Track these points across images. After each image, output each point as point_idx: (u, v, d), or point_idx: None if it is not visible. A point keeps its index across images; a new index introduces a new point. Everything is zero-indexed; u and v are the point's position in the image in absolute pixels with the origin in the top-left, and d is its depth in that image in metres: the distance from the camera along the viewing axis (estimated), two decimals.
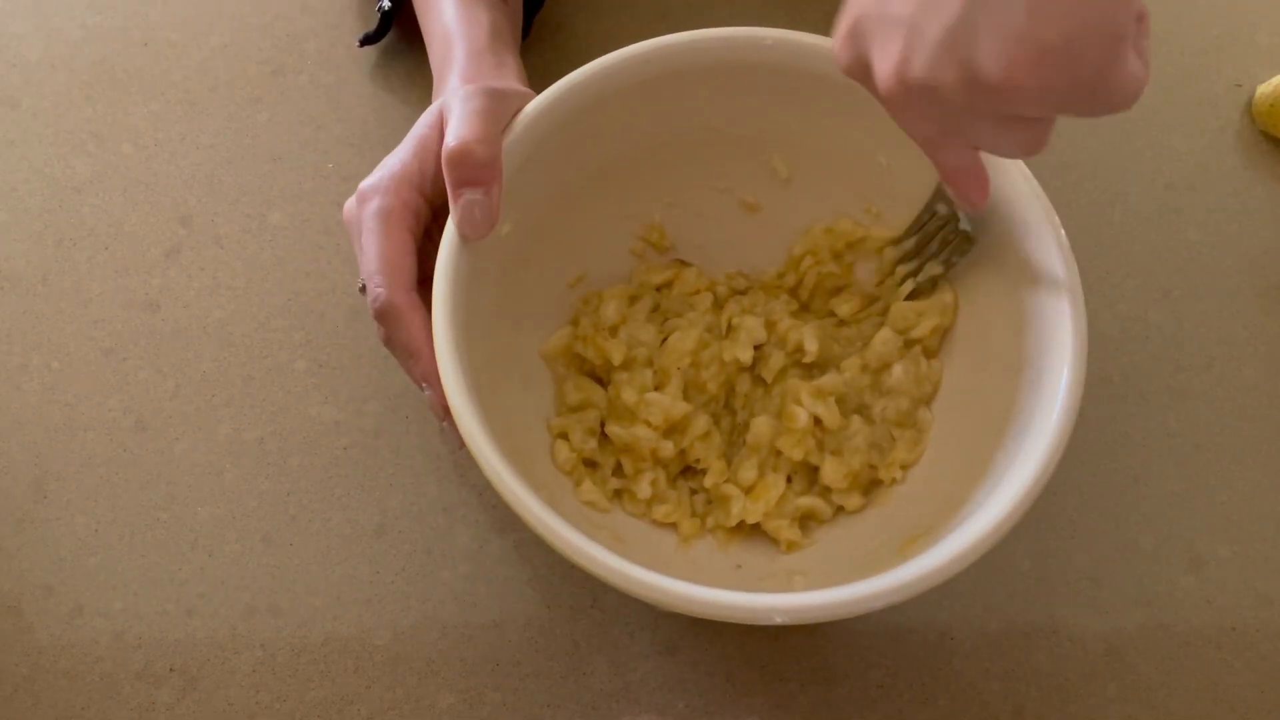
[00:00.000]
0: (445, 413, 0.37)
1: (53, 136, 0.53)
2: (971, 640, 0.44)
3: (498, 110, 0.39)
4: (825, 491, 0.43)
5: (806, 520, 0.43)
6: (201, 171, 0.52)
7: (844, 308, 0.46)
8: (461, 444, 0.36)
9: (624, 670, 0.43)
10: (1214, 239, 0.51)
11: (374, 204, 0.39)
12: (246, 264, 0.50)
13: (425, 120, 0.41)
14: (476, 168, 0.38)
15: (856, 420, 0.43)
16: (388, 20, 0.53)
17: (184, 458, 0.46)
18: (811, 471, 0.43)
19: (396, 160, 0.40)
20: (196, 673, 0.43)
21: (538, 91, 0.41)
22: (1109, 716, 0.43)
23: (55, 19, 0.55)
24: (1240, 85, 0.55)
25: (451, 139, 0.38)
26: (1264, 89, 0.54)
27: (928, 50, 0.29)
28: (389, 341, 0.40)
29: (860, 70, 0.32)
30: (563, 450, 0.43)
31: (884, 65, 0.31)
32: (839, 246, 0.46)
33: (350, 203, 0.40)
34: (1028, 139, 0.31)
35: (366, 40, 0.53)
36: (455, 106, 0.39)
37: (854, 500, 0.43)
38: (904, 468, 0.43)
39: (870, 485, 0.43)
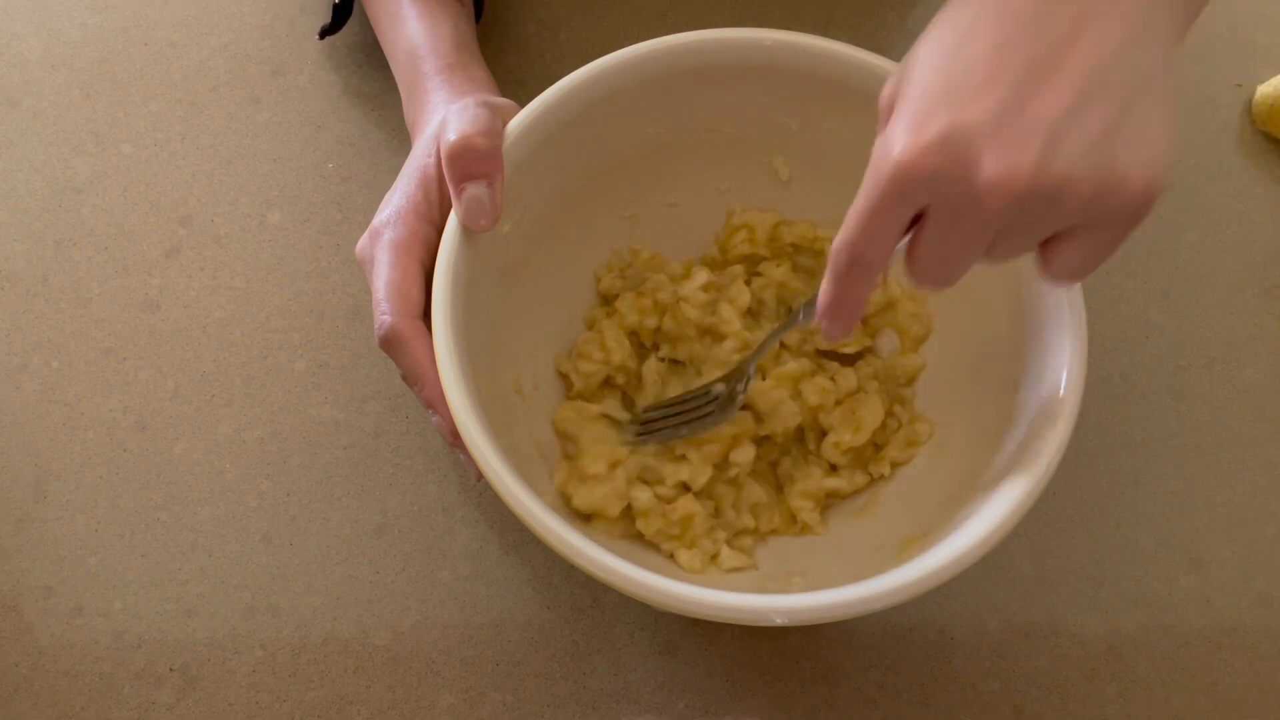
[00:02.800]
0: (454, 438, 0.37)
1: (53, 136, 0.53)
2: (971, 640, 0.44)
3: (493, 114, 0.40)
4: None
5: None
6: (201, 171, 0.52)
7: (776, 272, 0.46)
8: (480, 475, 0.36)
9: (624, 670, 0.43)
10: (1214, 239, 0.51)
11: (385, 237, 0.40)
12: (246, 264, 0.50)
13: (423, 150, 0.41)
14: (478, 159, 0.38)
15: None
16: (341, 12, 0.52)
17: (184, 458, 0.46)
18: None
19: (401, 194, 0.41)
20: (196, 673, 0.43)
21: (537, 92, 0.41)
22: (1109, 716, 0.43)
23: (55, 19, 0.55)
24: (1240, 85, 0.55)
25: (452, 135, 0.38)
26: (1264, 89, 0.54)
27: (1077, 150, 0.28)
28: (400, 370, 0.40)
29: (949, 177, 0.29)
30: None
31: (1009, 164, 0.28)
32: (782, 237, 0.47)
33: (364, 240, 0.41)
34: (1088, 254, 0.30)
35: (325, 32, 0.53)
36: (450, 119, 0.39)
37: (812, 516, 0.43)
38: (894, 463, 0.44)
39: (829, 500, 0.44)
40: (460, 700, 0.43)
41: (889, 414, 0.44)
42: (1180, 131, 0.54)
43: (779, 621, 0.34)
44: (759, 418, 0.44)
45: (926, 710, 0.43)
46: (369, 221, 0.41)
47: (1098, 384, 0.48)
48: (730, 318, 0.45)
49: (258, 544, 0.45)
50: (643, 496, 0.42)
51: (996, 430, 0.39)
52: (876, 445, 0.44)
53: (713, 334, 0.45)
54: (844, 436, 0.43)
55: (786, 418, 0.43)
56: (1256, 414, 0.48)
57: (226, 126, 0.53)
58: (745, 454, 0.43)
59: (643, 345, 0.46)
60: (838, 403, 0.44)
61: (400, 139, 0.53)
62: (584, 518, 0.42)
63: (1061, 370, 0.37)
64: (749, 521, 0.43)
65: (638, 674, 0.43)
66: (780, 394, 0.43)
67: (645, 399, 0.45)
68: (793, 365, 0.44)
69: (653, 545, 0.42)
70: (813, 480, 0.43)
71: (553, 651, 0.43)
